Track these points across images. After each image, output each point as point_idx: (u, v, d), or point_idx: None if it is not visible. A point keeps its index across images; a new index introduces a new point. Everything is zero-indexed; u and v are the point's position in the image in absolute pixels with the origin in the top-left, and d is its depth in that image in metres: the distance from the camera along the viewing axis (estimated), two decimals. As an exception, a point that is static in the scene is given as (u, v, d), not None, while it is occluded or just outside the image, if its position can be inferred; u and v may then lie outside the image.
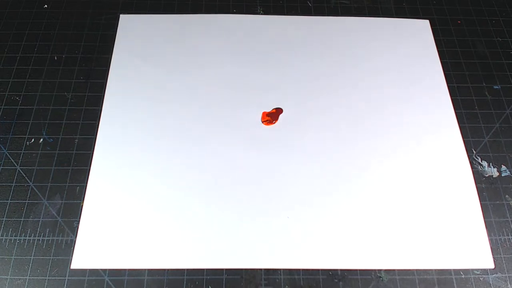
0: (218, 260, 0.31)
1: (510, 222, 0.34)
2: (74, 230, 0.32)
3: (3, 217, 0.33)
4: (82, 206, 0.33)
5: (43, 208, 0.33)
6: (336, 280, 0.31)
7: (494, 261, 0.32)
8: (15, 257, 0.31)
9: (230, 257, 0.31)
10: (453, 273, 0.31)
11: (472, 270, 0.32)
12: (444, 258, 0.32)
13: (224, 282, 0.31)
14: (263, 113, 0.37)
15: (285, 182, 0.34)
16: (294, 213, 0.33)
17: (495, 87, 0.40)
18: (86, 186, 0.34)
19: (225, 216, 0.33)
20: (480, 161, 0.36)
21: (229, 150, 0.35)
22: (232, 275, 0.31)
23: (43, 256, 0.31)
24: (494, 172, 0.36)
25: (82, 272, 0.31)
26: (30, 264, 0.31)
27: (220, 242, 0.32)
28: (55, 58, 0.40)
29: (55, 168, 0.35)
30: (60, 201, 0.33)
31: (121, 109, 0.37)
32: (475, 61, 0.42)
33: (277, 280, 0.31)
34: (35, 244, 0.32)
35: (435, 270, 0.31)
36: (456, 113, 0.38)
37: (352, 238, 0.32)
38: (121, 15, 0.43)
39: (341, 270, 0.31)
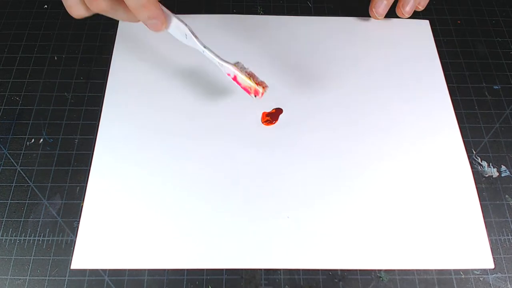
0: (218, 260, 0.31)
1: (510, 222, 0.34)
2: (74, 230, 0.32)
3: (3, 217, 0.33)
4: (82, 206, 0.33)
5: (43, 208, 0.33)
6: (336, 280, 0.31)
7: (494, 261, 0.32)
8: (15, 257, 0.31)
9: (230, 257, 0.31)
10: (453, 273, 0.31)
11: (472, 270, 0.32)
12: (444, 258, 0.32)
13: (224, 282, 0.31)
14: (263, 113, 0.37)
15: (285, 182, 0.34)
16: (294, 213, 0.33)
17: (495, 87, 0.40)
18: (86, 186, 0.34)
19: (225, 216, 0.33)
20: (480, 161, 0.36)
21: (229, 150, 0.35)
22: (232, 275, 0.31)
23: (43, 256, 0.31)
24: (494, 172, 0.36)
25: (82, 272, 0.31)
26: (30, 264, 0.31)
27: (220, 242, 0.32)
28: (55, 58, 0.40)
29: (55, 168, 0.35)
30: (60, 201, 0.33)
31: (121, 109, 0.37)
32: (475, 61, 0.42)
33: (277, 280, 0.31)
34: (35, 244, 0.32)
35: (435, 270, 0.31)
36: (456, 113, 0.38)
37: (352, 238, 0.32)
38: (121, 15, 0.43)
39: (341, 270, 0.31)
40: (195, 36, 0.33)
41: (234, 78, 0.33)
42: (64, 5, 0.31)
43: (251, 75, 0.33)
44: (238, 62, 0.34)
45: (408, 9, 0.41)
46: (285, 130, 0.36)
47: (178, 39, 0.33)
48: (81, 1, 0.30)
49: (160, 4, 0.32)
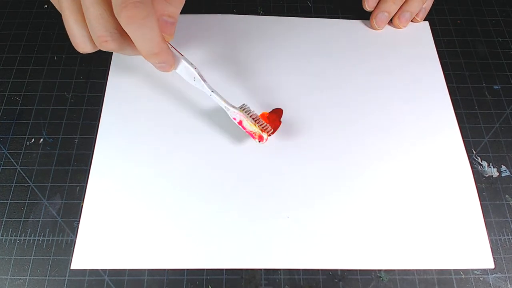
0: (218, 260, 0.31)
1: (510, 222, 0.34)
2: (74, 230, 0.32)
3: (3, 217, 0.33)
4: (82, 206, 0.33)
5: (43, 208, 0.33)
6: (336, 280, 0.31)
7: (494, 261, 0.32)
8: (15, 257, 0.31)
9: (230, 257, 0.31)
10: (453, 273, 0.31)
11: (472, 270, 0.32)
12: (444, 258, 0.32)
13: (224, 282, 0.31)
14: (263, 113, 0.37)
15: (285, 182, 0.34)
16: (294, 213, 0.33)
17: (495, 87, 0.40)
18: (86, 186, 0.34)
19: (225, 216, 0.33)
20: (480, 161, 0.36)
21: (229, 150, 0.35)
22: (232, 275, 0.31)
23: (43, 256, 0.31)
24: (494, 172, 0.36)
25: (82, 272, 0.31)
26: (30, 264, 0.31)
27: (220, 242, 0.32)
28: (55, 58, 0.40)
29: (55, 168, 0.35)
30: (60, 201, 0.33)
31: (121, 109, 0.37)
32: (475, 61, 0.42)
33: (277, 280, 0.31)
34: (35, 244, 0.32)
35: (435, 270, 0.31)
36: (456, 113, 0.38)
37: (352, 238, 0.32)
38: (121, 15, 0.43)
39: (341, 270, 0.31)
40: (204, 80, 0.33)
41: (240, 123, 0.34)
42: (71, 40, 0.30)
43: (255, 119, 0.34)
44: (243, 105, 0.34)
45: (404, 22, 0.42)
46: (285, 130, 0.36)
47: (186, 80, 0.34)
48: (89, 40, 0.30)
49: (171, 46, 0.32)
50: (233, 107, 0.34)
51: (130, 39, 0.28)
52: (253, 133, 0.33)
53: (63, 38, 0.41)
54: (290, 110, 0.37)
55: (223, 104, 0.34)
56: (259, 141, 0.34)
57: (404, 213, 0.33)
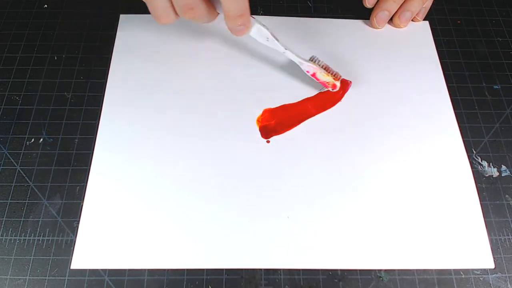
0: (218, 260, 0.31)
1: (510, 222, 0.34)
2: (74, 230, 0.32)
3: (3, 217, 0.33)
4: (82, 206, 0.33)
5: (43, 208, 0.33)
6: (336, 280, 0.31)
7: (494, 261, 0.32)
8: (15, 257, 0.31)
9: (230, 257, 0.31)
10: (453, 273, 0.31)
11: (472, 270, 0.32)
12: (444, 258, 0.32)
13: (224, 282, 0.31)
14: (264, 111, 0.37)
15: (285, 182, 0.34)
16: (294, 213, 0.33)
17: (495, 87, 0.40)
18: (86, 186, 0.34)
19: (225, 216, 0.33)
20: (480, 161, 0.36)
21: (230, 150, 0.35)
22: (232, 275, 0.31)
23: (43, 256, 0.31)
24: (494, 172, 0.36)
25: (82, 272, 0.31)
26: (30, 264, 0.31)
27: (220, 242, 0.32)
28: (55, 58, 0.40)
29: (55, 168, 0.35)
30: (60, 201, 0.33)
31: (121, 109, 0.37)
32: (475, 61, 0.42)
33: (277, 280, 0.31)
34: (35, 244, 0.32)
35: (435, 270, 0.31)
36: (456, 113, 0.38)
37: (352, 238, 0.32)
38: (121, 15, 0.43)
39: (341, 270, 0.31)
40: (276, 39, 0.35)
41: (313, 75, 0.37)
42: (152, 13, 0.32)
43: (326, 69, 0.36)
44: (313, 56, 0.36)
45: (404, 21, 0.42)
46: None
47: (259, 41, 0.35)
48: (172, 10, 0.31)
49: None
50: (306, 61, 0.36)
51: (210, 7, 0.31)
52: (327, 83, 0.37)
53: (63, 38, 0.41)
54: (290, 110, 0.37)
55: (296, 60, 0.36)
56: (332, 89, 0.37)
57: (404, 213, 0.33)
